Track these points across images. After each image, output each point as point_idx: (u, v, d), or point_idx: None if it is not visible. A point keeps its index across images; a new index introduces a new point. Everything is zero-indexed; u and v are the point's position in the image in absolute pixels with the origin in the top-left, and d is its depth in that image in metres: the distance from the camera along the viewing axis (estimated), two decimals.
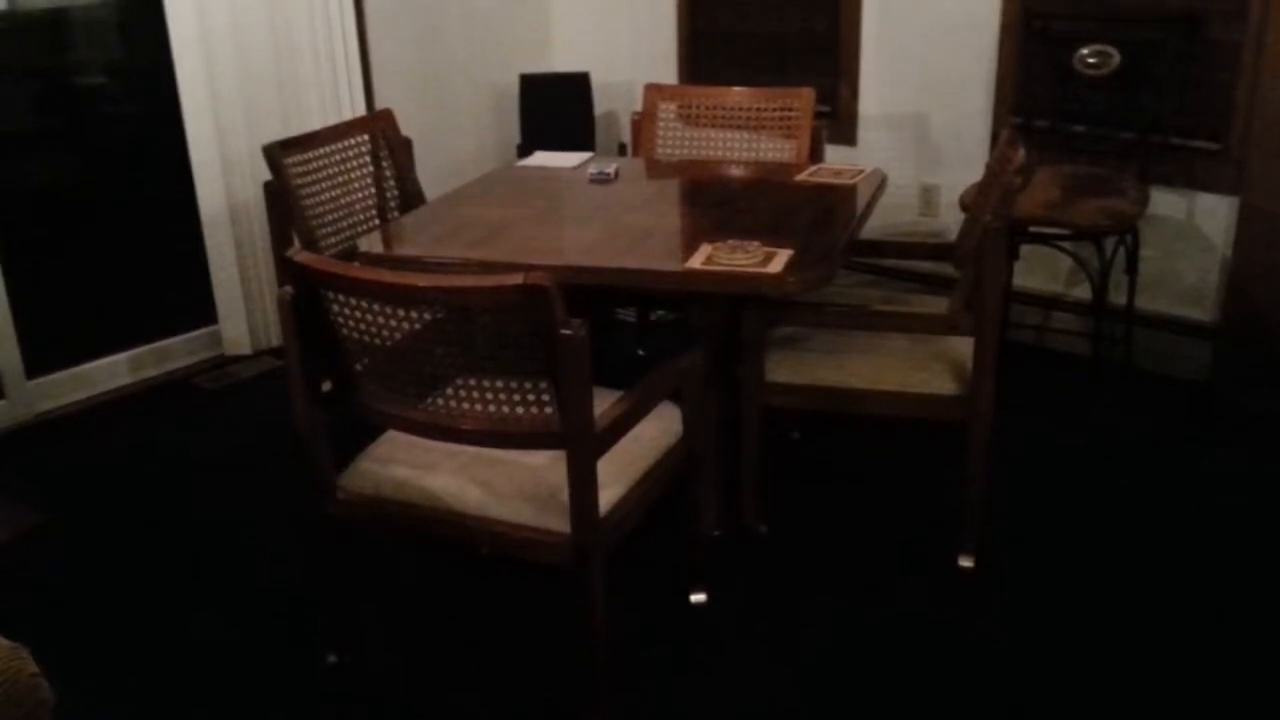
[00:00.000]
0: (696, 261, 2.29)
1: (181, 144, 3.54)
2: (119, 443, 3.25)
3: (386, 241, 2.66)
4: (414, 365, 1.89)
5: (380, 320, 1.85)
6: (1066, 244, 3.23)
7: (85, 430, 3.34)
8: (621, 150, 4.38)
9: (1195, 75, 3.28)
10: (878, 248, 3.20)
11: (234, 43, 3.52)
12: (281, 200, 2.75)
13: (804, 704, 2.13)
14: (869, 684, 2.17)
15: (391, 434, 2.15)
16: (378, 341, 1.88)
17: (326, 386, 2.04)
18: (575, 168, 3.16)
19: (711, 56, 4.35)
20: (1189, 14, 3.23)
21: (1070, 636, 2.29)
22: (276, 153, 2.74)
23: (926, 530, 2.64)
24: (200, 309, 3.73)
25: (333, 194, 2.89)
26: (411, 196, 3.07)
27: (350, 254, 2.60)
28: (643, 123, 3.39)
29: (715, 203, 2.85)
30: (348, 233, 2.91)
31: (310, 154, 2.83)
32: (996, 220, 2.26)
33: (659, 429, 2.19)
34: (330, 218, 2.88)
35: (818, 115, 3.30)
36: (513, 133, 4.44)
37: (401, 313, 1.82)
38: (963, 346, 2.44)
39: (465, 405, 1.89)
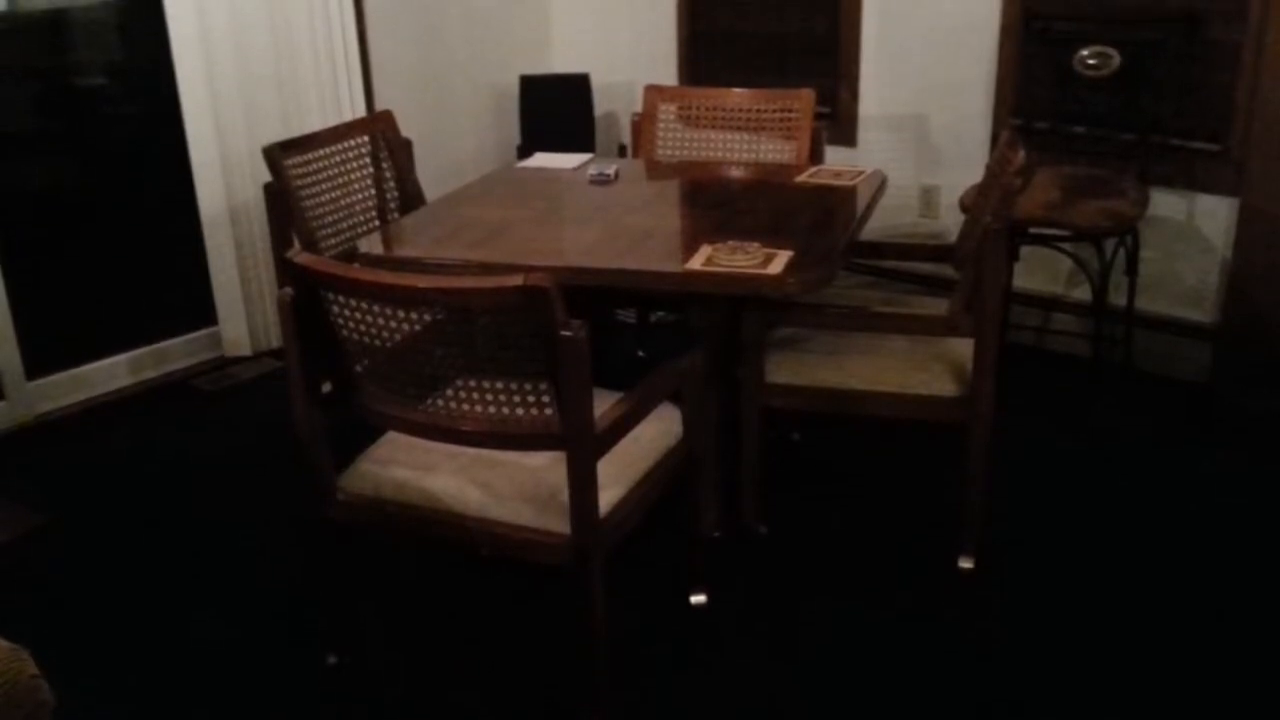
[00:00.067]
0: (696, 263, 2.29)
1: (181, 145, 3.54)
2: (119, 444, 3.25)
3: (386, 243, 2.67)
4: (414, 366, 1.89)
5: (380, 321, 1.85)
6: (1066, 245, 3.23)
7: (85, 431, 3.34)
8: (621, 151, 4.38)
9: (1195, 76, 3.28)
10: (878, 249, 3.20)
11: (234, 43, 3.52)
12: (281, 201, 2.75)
13: (804, 704, 2.13)
14: (869, 684, 2.17)
15: (391, 435, 2.15)
16: (378, 343, 1.88)
17: (326, 388, 2.04)
18: (575, 169, 3.16)
19: (711, 57, 4.35)
20: (1189, 14, 3.23)
21: (1070, 637, 2.29)
22: (276, 154, 2.74)
23: (926, 531, 2.64)
24: (200, 310, 3.74)
25: (333, 195, 2.89)
26: (411, 198, 3.07)
27: (350, 255, 2.60)
28: (643, 124, 3.39)
29: (715, 204, 2.85)
30: (348, 234, 2.91)
31: (310, 155, 2.83)
32: (996, 221, 2.26)
33: (659, 430, 2.19)
34: (330, 219, 2.88)
35: (818, 116, 3.30)
36: (513, 134, 4.44)
37: (401, 314, 1.82)
38: (963, 348, 2.44)
39: (465, 406, 1.89)
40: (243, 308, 3.74)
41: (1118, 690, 2.14)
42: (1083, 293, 3.54)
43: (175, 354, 3.74)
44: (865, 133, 4.02)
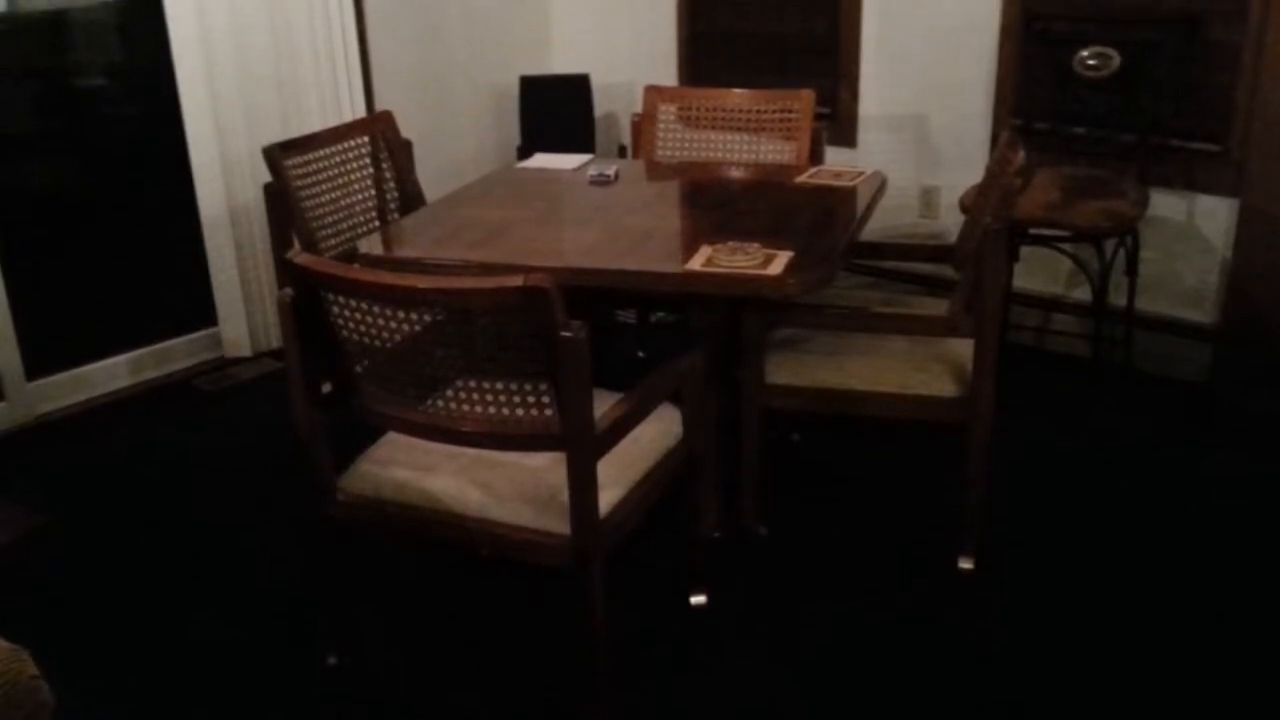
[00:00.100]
0: (696, 263, 2.29)
1: (181, 145, 3.54)
2: (119, 444, 3.25)
3: (386, 243, 2.67)
4: (414, 367, 1.89)
5: (380, 322, 1.85)
6: (1066, 246, 3.24)
7: (85, 432, 3.34)
8: (621, 152, 4.38)
9: (1195, 77, 3.28)
10: (878, 250, 3.20)
11: (234, 44, 3.52)
12: (281, 202, 2.75)
13: (804, 705, 2.13)
14: (869, 685, 2.17)
15: (391, 436, 2.15)
16: (378, 343, 1.88)
17: (326, 388, 2.04)
18: (575, 169, 3.16)
19: (711, 58, 4.35)
20: (1188, 15, 3.23)
21: (1070, 638, 2.29)
22: (276, 154, 2.74)
23: (926, 532, 2.64)
24: (200, 311, 3.74)
25: (332, 196, 2.89)
26: (411, 198, 3.07)
27: (350, 256, 2.60)
28: (643, 124, 3.39)
29: (715, 204, 2.85)
30: (348, 234, 2.91)
31: (310, 155, 2.84)
32: (996, 222, 2.26)
33: (659, 431, 2.19)
34: (330, 219, 2.88)
35: (818, 117, 3.30)
36: (513, 134, 4.44)
37: (401, 314, 1.82)
38: (963, 348, 2.44)
39: (465, 407, 1.89)
40: (243, 308, 3.74)
41: (1118, 691, 2.14)
42: (1083, 293, 3.54)
43: (175, 354, 3.74)
44: (865, 133, 4.02)
